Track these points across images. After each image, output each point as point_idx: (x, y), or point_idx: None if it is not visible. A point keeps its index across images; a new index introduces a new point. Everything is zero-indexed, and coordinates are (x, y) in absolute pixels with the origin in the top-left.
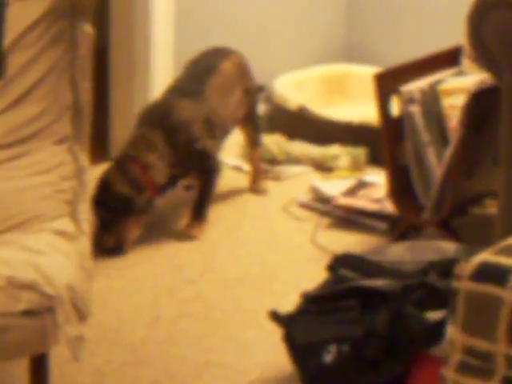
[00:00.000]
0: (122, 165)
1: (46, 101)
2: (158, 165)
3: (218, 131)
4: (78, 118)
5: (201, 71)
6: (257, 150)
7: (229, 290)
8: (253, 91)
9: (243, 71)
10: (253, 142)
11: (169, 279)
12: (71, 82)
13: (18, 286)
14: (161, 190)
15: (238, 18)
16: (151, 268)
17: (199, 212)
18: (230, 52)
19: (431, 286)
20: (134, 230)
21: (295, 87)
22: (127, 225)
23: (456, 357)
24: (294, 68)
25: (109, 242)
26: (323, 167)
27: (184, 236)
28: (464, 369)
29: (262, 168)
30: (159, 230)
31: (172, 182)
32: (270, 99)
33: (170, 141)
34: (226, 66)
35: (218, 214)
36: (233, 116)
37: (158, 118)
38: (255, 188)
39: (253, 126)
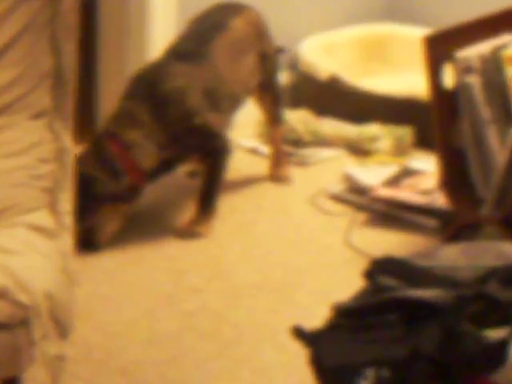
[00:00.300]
0: (97, 143)
1: (21, 66)
2: (143, 144)
3: (224, 103)
4: (60, 88)
5: (206, 29)
6: (278, 128)
7: (242, 300)
8: (271, 55)
9: (258, 31)
10: (273, 118)
11: (169, 286)
12: (52, 43)
13: None
14: (147, 175)
15: None
16: (148, 272)
17: (206, 204)
18: (243, 8)
19: (491, 298)
20: (110, 221)
21: (326, 52)
22: (100, 214)
23: None
24: (324, 29)
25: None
26: (359, 150)
27: (188, 233)
28: None
29: (284, 151)
30: (158, 226)
31: (166, 166)
32: (294, 67)
33: (159, 115)
34: (237, 24)
35: (229, 206)
36: (245, 84)
37: (147, 86)
38: (276, 175)
39: (272, 97)
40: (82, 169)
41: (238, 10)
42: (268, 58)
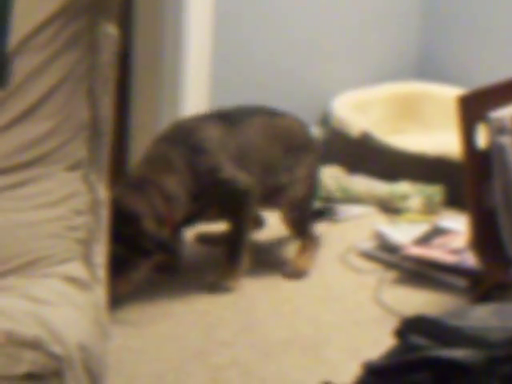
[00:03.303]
0: (140, 187)
1: (58, 117)
2: (180, 196)
3: (254, 167)
4: (96, 140)
5: (256, 108)
6: (305, 241)
7: (271, 355)
8: (305, 177)
9: (307, 142)
10: (296, 234)
11: (198, 340)
12: (89, 95)
13: (19, 343)
14: (176, 228)
15: (288, 23)
16: (177, 326)
17: (233, 258)
18: (302, 121)
19: None
20: (138, 273)
21: (358, 109)
22: (140, 269)
23: None
24: (356, 86)
25: (121, 288)
26: (390, 208)
27: (217, 288)
28: None
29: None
30: (187, 280)
31: (187, 222)
32: (326, 123)
33: (192, 163)
34: (289, 120)
35: (259, 262)
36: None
37: (183, 132)
38: (294, 268)
39: (293, 219)
40: (144, 225)
41: (297, 118)
42: (299, 176)
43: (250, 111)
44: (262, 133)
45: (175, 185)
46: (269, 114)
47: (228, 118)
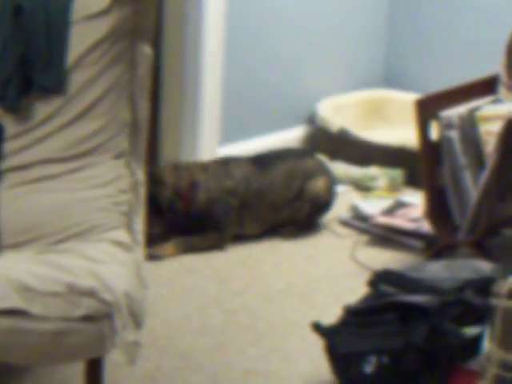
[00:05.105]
0: (178, 170)
1: (106, 117)
2: (202, 187)
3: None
4: (136, 135)
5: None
6: None
7: (273, 301)
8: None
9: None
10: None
11: (215, 290)
12: (130, 101)
13: (77, 292)
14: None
15: (286, 47)
16: (199, 279)
17: (188, 239)
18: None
19: (468, 303)
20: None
21: (336, 110)
22: (153, 223)
23: (492, 371)
24: (335, 92)
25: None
26: (362, 187)
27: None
28: (499, 382)
29: None
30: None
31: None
32: (313, 121)
33: (218, 178)
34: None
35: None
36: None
37: (223, 164)
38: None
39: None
40: (162, 176)
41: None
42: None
43: (281, 156)
44: (283, 176)
45: (203, 180)
46: (296, 156)
47: (259, 162)
